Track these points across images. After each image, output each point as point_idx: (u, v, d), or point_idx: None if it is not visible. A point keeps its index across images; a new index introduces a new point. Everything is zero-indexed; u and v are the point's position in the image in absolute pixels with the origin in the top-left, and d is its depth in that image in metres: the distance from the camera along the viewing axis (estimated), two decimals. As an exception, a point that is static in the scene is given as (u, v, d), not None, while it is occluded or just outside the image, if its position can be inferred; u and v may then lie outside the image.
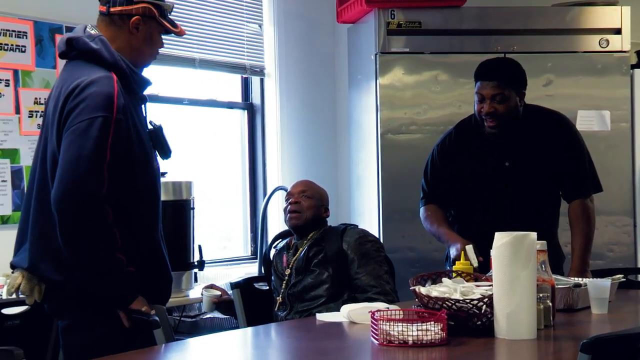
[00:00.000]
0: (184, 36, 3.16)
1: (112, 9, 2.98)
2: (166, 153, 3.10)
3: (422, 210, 4.10)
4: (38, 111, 4.37)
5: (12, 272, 2.98)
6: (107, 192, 2.76)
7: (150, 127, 3.06)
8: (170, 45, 4.83)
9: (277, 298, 3.92)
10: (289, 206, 3.96)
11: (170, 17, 3.09)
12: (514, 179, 3.91)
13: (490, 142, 3.93)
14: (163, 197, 3.29)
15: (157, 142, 3.06)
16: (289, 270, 3.91)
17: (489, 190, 3.93)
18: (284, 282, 3.92)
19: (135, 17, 2.98)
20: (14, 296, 2.94)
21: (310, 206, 3.95)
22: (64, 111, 2.82)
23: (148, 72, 3.13)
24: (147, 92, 3.12)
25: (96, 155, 2.75)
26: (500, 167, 3.92)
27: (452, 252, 3.78)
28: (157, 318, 2.88)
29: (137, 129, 2.93)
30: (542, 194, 3.95)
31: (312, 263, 3.85)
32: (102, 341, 2.88)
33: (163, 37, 3.10)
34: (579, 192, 3.95)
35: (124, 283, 2.84)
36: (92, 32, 2.96)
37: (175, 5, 3.22)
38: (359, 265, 3.79)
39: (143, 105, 3.07)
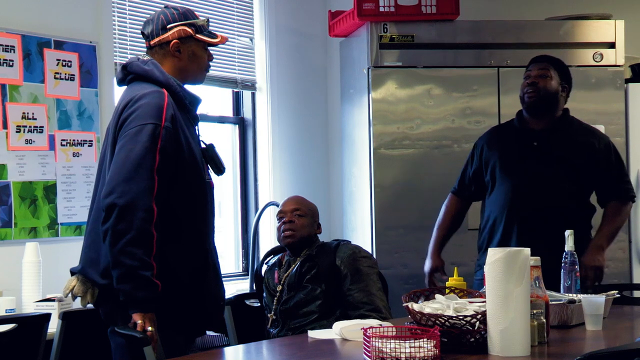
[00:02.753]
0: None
1: (152, 42, 3.24)
2: (220, 169, 3.32)
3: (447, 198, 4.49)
4: (26, 126, 4.32)
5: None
6: (157, 195, 2.94)
7: (203, 145, 3.28)
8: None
9: (270, 315, 3.88)
10: (283, 226, 3.92)
11: (208, 29, 3.30)
12: (540, 158, 4.19)
13: (527, 129, 4.25)
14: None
15: (210, 159, 3.28)
16: (280, 287, 3.87)
17: (518, 166, 4.21)
18: (276, 298, 3.87)
19: (173, 41, 3.22)
20: (69, 297, 3.14)
21: (304, 225, 3.92)
22: (119, 122, 3.07)
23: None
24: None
25: (144, 157, 2.96)
26: (529, 146, 4.21)
27: (426, 265, 4.40)
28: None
29: (189, 141, 3.13)
30: (569, 182, 4.20)
31: (305, 279, 3.82)
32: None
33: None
34: (620, 195, 4.27)
35: (145, 289, 2.92)
36: (145, 58, 3.23)
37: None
38: (352, 281, 3.77)
39: (196, 126, 3.28)
